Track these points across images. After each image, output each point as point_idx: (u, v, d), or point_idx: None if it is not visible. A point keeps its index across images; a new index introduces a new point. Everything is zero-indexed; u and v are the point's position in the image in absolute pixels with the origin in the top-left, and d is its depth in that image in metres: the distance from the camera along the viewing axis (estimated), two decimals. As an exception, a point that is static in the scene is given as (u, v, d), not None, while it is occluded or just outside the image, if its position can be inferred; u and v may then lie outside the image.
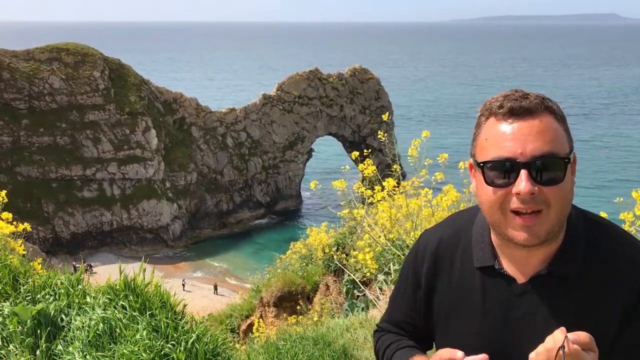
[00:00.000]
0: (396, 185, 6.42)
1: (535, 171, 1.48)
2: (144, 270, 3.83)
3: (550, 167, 1.49)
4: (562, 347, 1.28)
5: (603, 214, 4.88)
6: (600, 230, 1.65)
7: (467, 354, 1.49)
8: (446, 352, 1.53)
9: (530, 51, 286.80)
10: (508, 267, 1.66)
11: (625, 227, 5.18)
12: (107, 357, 3.24)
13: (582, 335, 1.32)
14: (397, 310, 1.94)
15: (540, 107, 1.53)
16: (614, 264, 1.57)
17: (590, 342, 1.33)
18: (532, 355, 1.36)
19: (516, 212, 1.51)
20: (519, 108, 1.52)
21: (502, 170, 1.51)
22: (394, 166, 6.52)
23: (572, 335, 1.30)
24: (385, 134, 7.11)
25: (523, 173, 1.48)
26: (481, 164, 1.55)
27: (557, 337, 1.31)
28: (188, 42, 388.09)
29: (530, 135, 1.50)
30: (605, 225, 1.68)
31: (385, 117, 7.66)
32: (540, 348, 1.34)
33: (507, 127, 1.52)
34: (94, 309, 3.60)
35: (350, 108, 66.03)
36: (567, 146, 1.54)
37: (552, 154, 1.49)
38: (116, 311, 3.51)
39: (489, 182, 1.54)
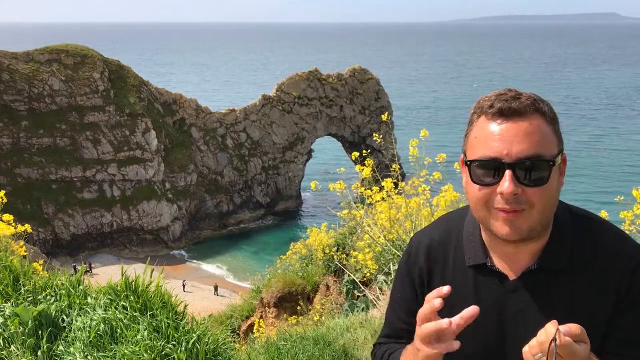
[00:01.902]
0: (394, 185, 6.43)
1: (520, 172, 1.51)
2: (152, 271, 3.84)
3: (535, 169, 1.52)
4: (554, 339, 1.30)
5: (604, 213, 4.91)
6: (587, 223, 1.68)
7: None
8: (431, 294, 1.49)
9: (530, 51, 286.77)
10: (499, 264, 1.68)
11: (626, 226, 5.19)
12: (109, 357, 3.25)
13: (574, 327, 1.33)
14: (396, 319, 1.90)
15: (531, 109, 1.55)
16: (602, 256, 1.61)
17: (581, 334, 1.34)
18: (525, 348, 1.38)
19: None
20: (509, 109, 1.54)
21: (487, 170, 1.55)
22: (394, 166, 6.53)
23: (563, 328, 1.32)
24: (381, 137, 7.10)
25: (507, 174, 1.51)
26: (468, 162, 1.59)
27: (549, 330, 1.33)
28: (188, 43, 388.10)
29: (517, 137, 1.52)
30: (591, 218, 1.71)
31: (384, 117, 7.63)
32: (534, 342, 1.36)
33: (495, 128, 1.55)
34: (95, 310, 3.61)
35: (350, 109, 66.05)
36: (555, 148, 1.56)
37: (537, 157, 1.52)
38: (117, 312, 3.52)
39: (475, 180, 1.57)
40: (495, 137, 1.54)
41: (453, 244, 1.79)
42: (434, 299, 1.46)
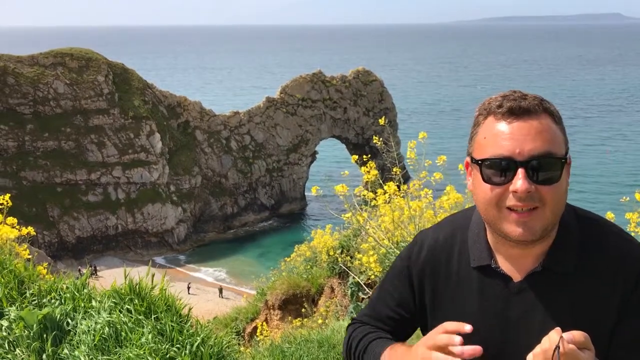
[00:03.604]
0: (397, 188, 6.42)
1: (532, 170, 1.51)
2: (153, 275, 3.85)
3: (547, 167, 1.51)
4: (557, 347, 1.29)
5: (610, 215, 4.90)
6: (592, 225, 1.67)
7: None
8: (451, 325, 1.52)
9: (533, 52, 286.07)
10: (504, 266, 1.67)
11: (630, 228, 5.18)
12: (113, 360, 3.26)
13: (577, 334, 1.32)
14: (383, 304, 1.90)
15: (539, 107, 1.55)
16: (608, 258, 1.59)
17: (585, 341, 1.33)
18: (529, 356, 1.37)
19: (512, 209, 1.54)
20: (518, 108, 1.54)
21: (499, 168, 1.53)
22: (394, 169, 6.53)
23: (567, 335, 1.31)
24: (385, 138, 7.11)
25: (520, 172, 1.50)
26: (479, 162, 1.57)
27: (553, 337, 1.32)
28: (190, 46, 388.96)
29: (528, 135, 1.52)
30: (596, 220, 1.70)
31: (381, 121, 7.63)
32: (537, 349, 1.35)
33: (505, 127, 1.54)
34: (99, 313, 3.62)
35: (354, 110, 66.05)
36: (563, 147, 1.56)
37: (549, 154, 1.51)
38: (121, 315, 3.53)
39: (486, 180, 1.56)
40: (506, 136, 1.53)
41: (457, 244, 1.78)
42: (454, 334, 1.49)
